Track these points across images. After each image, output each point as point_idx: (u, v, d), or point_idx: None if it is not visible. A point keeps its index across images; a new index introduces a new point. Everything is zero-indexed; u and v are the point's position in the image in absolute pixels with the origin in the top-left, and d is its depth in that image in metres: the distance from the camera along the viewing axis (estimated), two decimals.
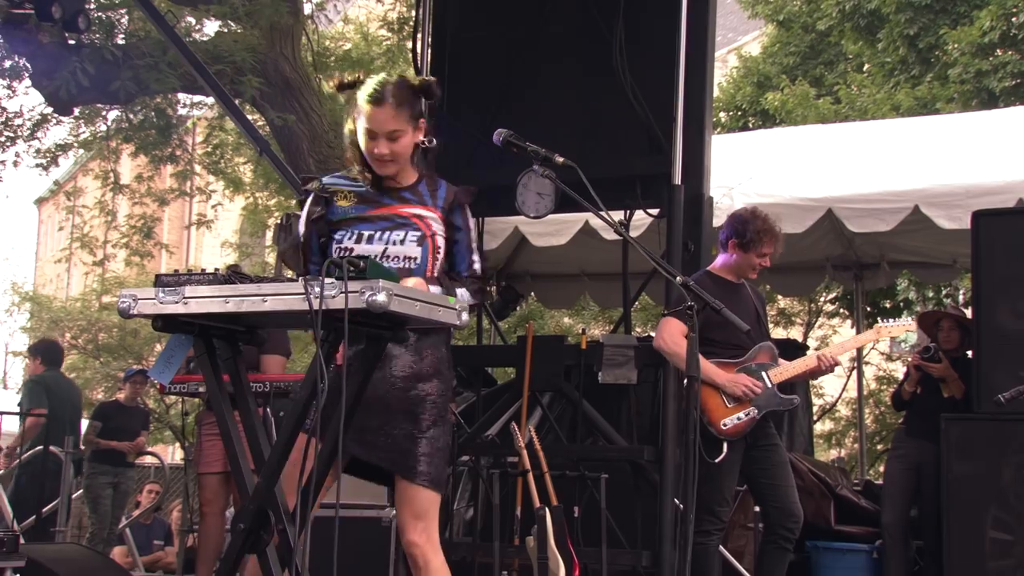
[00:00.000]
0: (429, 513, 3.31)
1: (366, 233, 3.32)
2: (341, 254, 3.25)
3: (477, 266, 3.46)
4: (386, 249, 3.30)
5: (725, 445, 4.88)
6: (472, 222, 3.46)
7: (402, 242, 3.31)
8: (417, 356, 3.35)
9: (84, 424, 9.46)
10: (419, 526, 3.29)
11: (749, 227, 5.05)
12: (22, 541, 4.64)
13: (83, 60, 8.17)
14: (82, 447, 8.93)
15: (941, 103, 12.29)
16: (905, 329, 5.55)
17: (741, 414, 4.92)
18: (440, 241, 3.38)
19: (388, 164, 3.34)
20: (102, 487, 9.17)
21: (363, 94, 3.30)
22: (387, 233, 3.32)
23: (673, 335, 4.84)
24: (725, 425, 4.89)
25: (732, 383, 4.90)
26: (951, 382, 6.22)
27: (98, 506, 9.18)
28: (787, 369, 5.08)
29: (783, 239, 5.15)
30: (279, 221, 3.49)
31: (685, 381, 3.79)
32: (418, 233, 3.33)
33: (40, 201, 33.43)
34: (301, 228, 3.41)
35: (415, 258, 3.32)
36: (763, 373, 5.00)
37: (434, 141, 3.41)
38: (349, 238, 3.33)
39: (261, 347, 5.49)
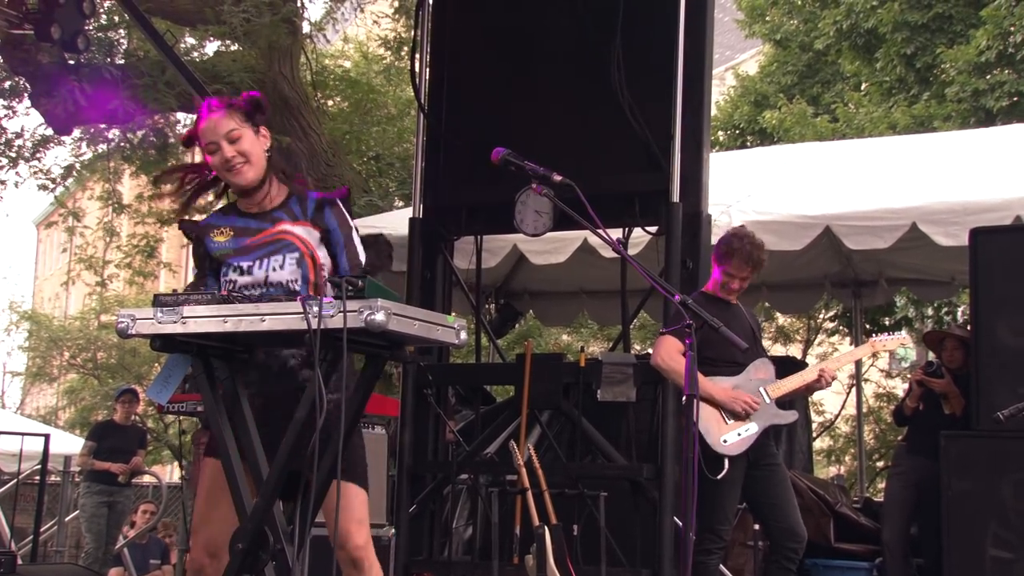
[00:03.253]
0: (366, 514, 3.32)
1: (244, 264, 3.30)
2: (229, 287, 3.26)
3: (361, 259, 3.34)
4: (267, 276, 3.28)
5: (727, 461, 4.87)
6: (348, 218, 3.37)
7: (281, 267, 3.28)
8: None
9: (80, 443, 9.46)
10: (363, 530, 3.29)
11: (722, 243, 5.08)
12: (20, 562, 4.63)
13: (82, 80, 8.19)
14: (76, 467, 8.92)
15: (938, 122, 12.32)
16: (899, 343, 5.56)
17: (740, 430, 4.92)
18: (321, 253, 3.32)
19: (243, 168, 3.32)
20: (97, 507, 9.14)
21: (195, 121, 3.38)
22: (265, 261, 3.30)
23: (670, 352, 4.84)
24: (725, 442, 4.88)
25: (731, 399, 4.90)
26: (952, 398, 6.23)
27: (93, 526, 9.16)
28: (785, 384, 5.08)
29: (762, 264, 5.11)
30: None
31: (684, 398, 3.78)
32: (295, 253, 3.29)
33: (48, 225, 33.44)
34: (194, 273, 3.43)
35: (297, 280, 3.28)
36: (761, 389, 5.00)
37: (271, 154, 3.37)
38: (233, 271, 3.31)
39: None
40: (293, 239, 3.31)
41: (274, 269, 3.28)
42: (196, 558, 3.31)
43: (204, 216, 3.53)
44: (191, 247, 3.43)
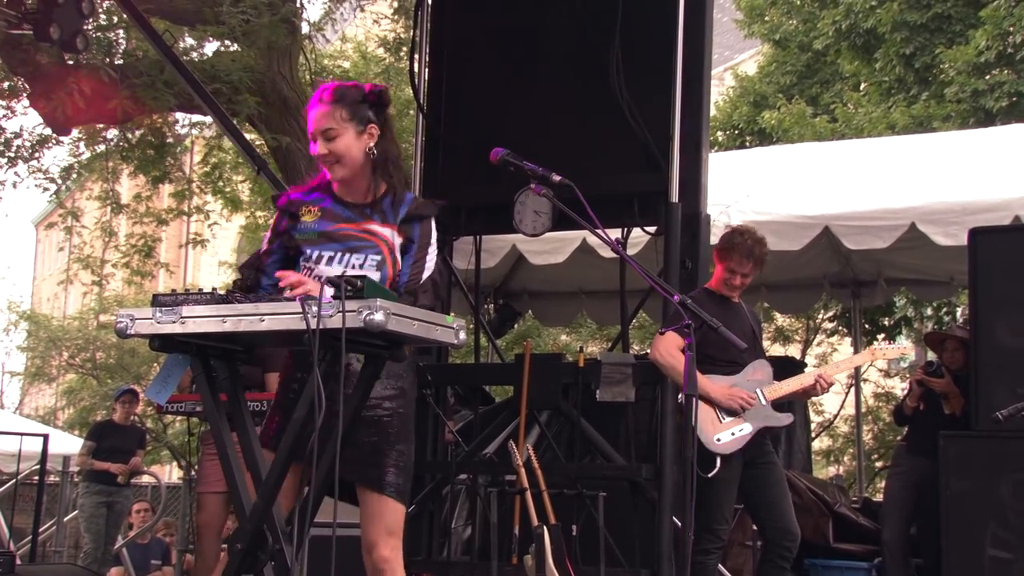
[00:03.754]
0: (399, 527, 3.30)
1: (327, 255, 3.28)
2: (304, 273, 3.24)
3: (424, 276, 3.29)
4: (344, 272, 3.22)
5: (718, 460, 4.88)
6: (431, 235, 3.35)
7: (361, 266, 3.26)
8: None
9: (79, 443, 9.45)
10: (391, 542, 3.26)
11: (723, 240, 5.08)
12: (18, 562, 4.63)
13: (81, 80, 8.18)
14: (75, 467, 8.92)
15: (937, 122, 12.33)
16: (900, 352, 5.57)
17: (734, 429, 4.93)
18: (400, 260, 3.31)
19: (333, 167, 3.30)
20: (96, 507, 9.14)
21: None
22: (347, 256, 3.28)
23: (669, 348, 4.85)
24: (719, 440, 4.89)
25: (728, 397, 4.91)
26: (953, 398, 6.23)
27: (92, 526, 9.15)
28: (781, 387, 5.08)
29: (763, 261, 5.12)
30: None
31: (680, 397, 3.79)
32: (378, 257, 3.28)
33: (48, 226, 33.44)
34: (264, 243, 3.39)
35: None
36: (758, 390, 5.01)
37: (375, 152, 3.32)
38: (312, 258, 3.29)
39: (265, 366, 5.49)
40: (379, 242, 3.29)
41: (353, 267, 3.25)
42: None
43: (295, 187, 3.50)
44: (275, 217, 3.40)
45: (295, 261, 3.33)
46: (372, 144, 3.32)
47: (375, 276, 3.21)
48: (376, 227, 3.31)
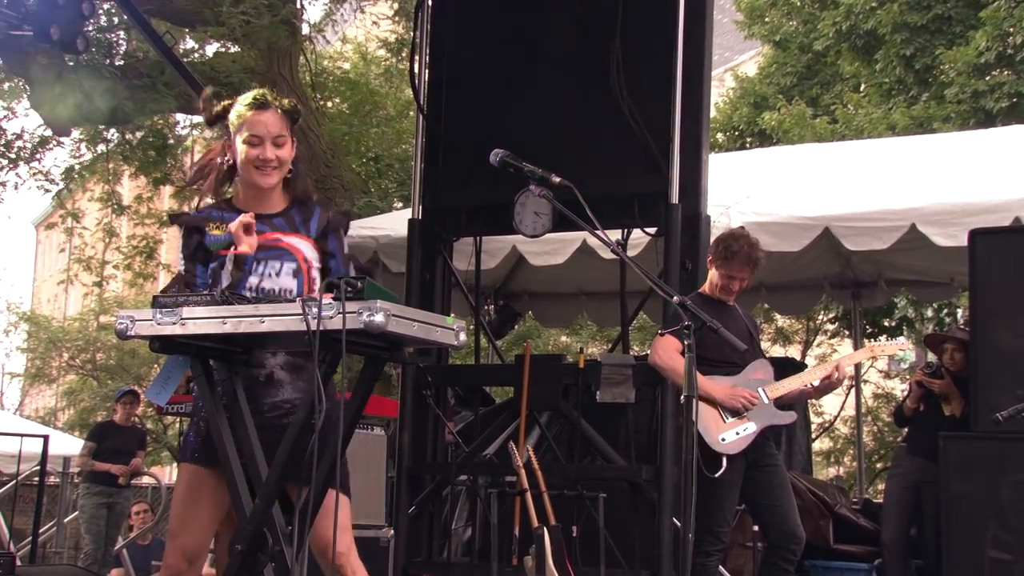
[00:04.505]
0: (349, 521, 3.31)
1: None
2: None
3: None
4: (261, 281, 3.25)
5: (724, 460, 4.87)
6: (346, 247, 3.40)
7: (278, 274, 3.27)
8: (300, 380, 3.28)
9: (79, 444, 9.45)
10: (345, 538, 3.26)
11: (720, 245, 5.08)
12: (19, 563, 4.63)
13: (81, 81, 8.18)
14: (75, 468, 8.92)
15: (937, 123, 12.32)
16: (898, 348, 5.56)
17: (739, 429, 4.91)
18: (316, 272, 3.32)
19: (272, 172, 3.30)
20: (96, 508, 9.14)
21: (242, 104, 3.30)
22: (262, 265, 3.27)
23: (668, 351, 4.84)
24: (723, 440, 4.88)
25: (730, 397, 4.90)
26: (953, 399, 6.23)
27: (92, 527, 9.15)
28: (783, 385, 5.07)
29: (760, 264, 5.12)
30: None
31: (682, 398, 3.78)
32: (293, 264, 3.29)
33: (48, 226, 33.44)
34: (181, 266, 3.35)
35: (291, 290, 3.27)
36: (760, 389, 5.00)
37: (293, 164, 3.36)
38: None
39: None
40: (293, 251, 3.30)
41: (269, 276, 3.26)
42: (173, 563, 3.27)
43: (195, 210, 3.50)
44: (182, 239, 3.36)
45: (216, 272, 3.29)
46: (294, 155, 3.36)
47: (292, 284, 3.26)
48: (286, 237, 3.32)
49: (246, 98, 3.31)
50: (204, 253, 3.30)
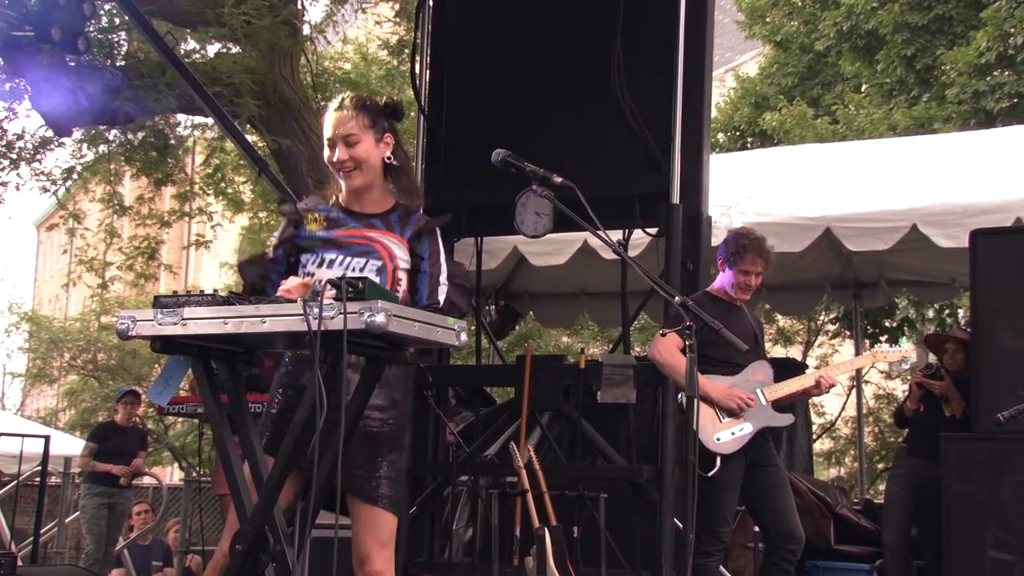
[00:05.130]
0: (392, 538, 3.29)
1: (328, 257, 3.30)
2: (305, 275, 3.25)
3: (440, 297, 3.32)
4: (344, 275, 3.22)
5: (719, 459, 4.88)
6: (442, 253, 3.38)
7: (361, 269, 3.27)
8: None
9: (80, 445, 9.45)
10: (384, 554, 3.26)
11: (731, 244, 5.09)
12: (20, 563, 4.63)
13: (83, 81, 8.18)
14: (76, 469, 8.91)
15: (938, 123, 12.33)
16: (901, 355, 5.58)
17: (735, 429, 4.92)
18: (402, 273, 3.32)
19: (352, 174, 3.31)
20: (97, 508, 9.14)
21: (330, 106, 3.35)
22: (348, 259, 3.29)
23: (669, 348, 4.85)
24: (718, 440, 4.89)
25: (727, 396, 4.91)
26: (953, 400, 6.23)
27: (94, 528, 9.16)
28: (782, 388, 5.08)
29: (771, 259, 5.15)
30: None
31: (680, 398, 3.79)
32: (379, 262, 3.29)
33: (49, 227, 33.49)
34: (270, 250, 3.41)
35: None
36: (758, 390, 5.01)
37: (394, 161, 3.36)
38: (313, 262, 3.31)
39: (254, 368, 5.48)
40: (381, 249, 3.30)
41: (353, 270, 3.27)
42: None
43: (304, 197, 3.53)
44: (282, 225, 3.42)
45: (296, 268, 3.35)
46: (389, 152, 3.35)
47: (375, 280, 3.21)
48: (378, 234, 3.33)
49: (331, 103, 3.37)
50: (291, 247, 3.35)
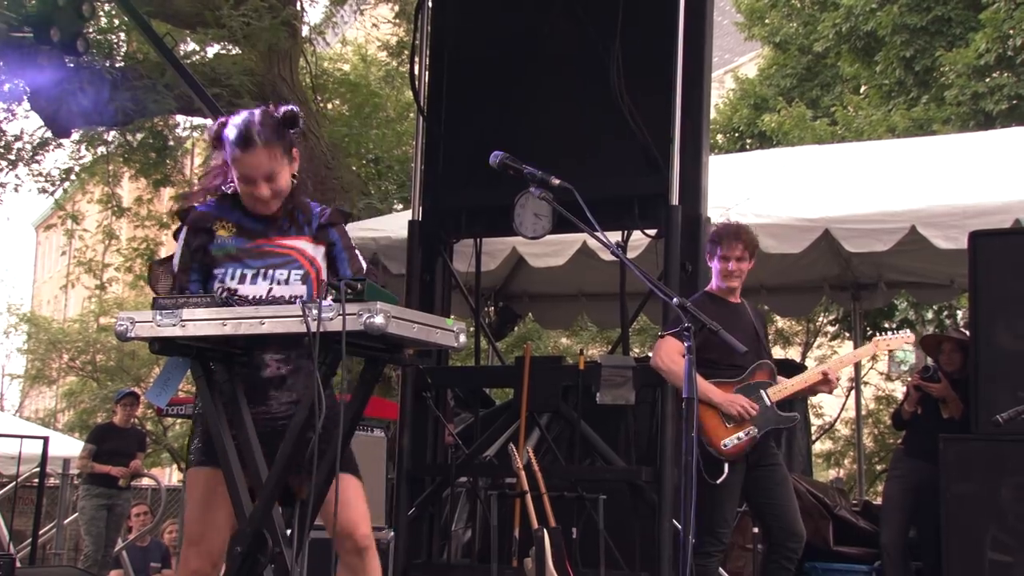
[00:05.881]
0: (362, 497, 3.31)
1: (249, 273, 3.24)
2: (223, 294, 3.16)
3: (362, 263, 3.38)
4: (271, 288, 3.23)
5: (726, 466, 4.86)
6: (347, 233, 3.39)
7: (287, 281, 3.25)
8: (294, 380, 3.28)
9: (79, 446, 9.44)
10: (366, 520, 3.29)
11: (710, 237, 5.06)
12: (18, 565, 4.63)
13: (82, 82, 8.19)
14: (75, 470, 8.90)
15: (937, 125, 12.33)
16: (904, 341, 5.53)
17: (741, 434, 4.90)
18: (324, 272, 3.30)
19: (270, 203, 3.26)
20: (96, 509, 9.13)
21: (230, 137, 3.20)
22: (271, 271, 3.25)
23: (670, 353, 4.83)
24: (726, 445, 4.87)
25: (729, 403, 4.89)
26: (950, 402, 6.22)
27: (92, 529, 9.15)
28: (786, 387, 5.06)
29: (752, 242, 5.04)
30: (153, 263, 3.43)
31: (683, 401, 3.78)
32: (301, 271, 3.27)
33: (47, 228, 33.48)
34: (177, 258, 3.29)
35: (301, 296, 3.23)
36: (761, 392, 4.99)
37: (296, 176, 3.30)
38: (231, 277, 3.24)
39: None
40: (299, 256, 3.28)
41: (279, 282, 3.25)
42: (199, 568, 3.25)
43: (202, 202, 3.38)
44: (185, 236, 3.29)
45: (210, 275, 3.27)
46: (297, 168, 3.31)
47: (302, 289, 3.23)
48: (291, 241, 3.29)
49: (231, 130, 3.20)
50: (206, 256, 3.26)
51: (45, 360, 22.38)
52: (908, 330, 6.60)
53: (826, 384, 5.12)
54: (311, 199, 3.42)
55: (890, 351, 6.43)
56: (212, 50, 9.91)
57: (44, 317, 25.78)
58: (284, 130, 3.25)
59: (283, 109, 3.29)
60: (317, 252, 3.32)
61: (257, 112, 3.25)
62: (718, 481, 4.77)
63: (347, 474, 3.22)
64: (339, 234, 3.37)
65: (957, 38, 13.17)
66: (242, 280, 3.24)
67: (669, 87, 5.28)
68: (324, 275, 3.31)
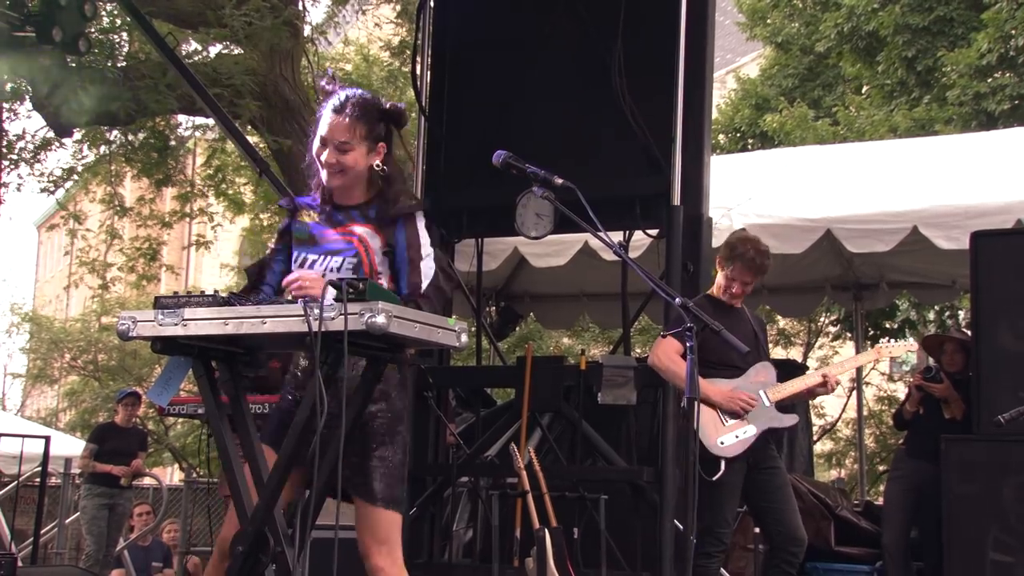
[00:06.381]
0: (391, 536, 3.27)
1: (309, 258, 3.29)
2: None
3: (424, 284, 3.22)
4: (324, 275, 3.21)
5: (723, 463, 4.86)
6: (420, 238, 3.28)
7: (338, 269, 3.25)
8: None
9: (80, 445, 9.44)
10: (383, 550, 3.25)
11: (727, 246, 5.07)
12: (20, 564, 4.63)
13: (83, 82, 8.19)
14: (76, 470, 8.90)
15: (939, 125, 12.32)
16: (906, 349, 5.55)
17: (738, 432, 4.91)
18: (381, 265, 3.27)
19: (336, 175, 3.29)
20: (98, 509, 9.14)
21: (327, 103, 3.32)
22: (326, 259, 3.28)
23: (668, 352, 4.84)
24: (722, 443, 4.87)
25: (728, 400, 4.89)
26: (952, 403, 6.22)
27: (94, 528, 9.15)
28: (785, 388, 5.07)
29: (763, 271, 5.09)
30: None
31: (683, 401, 3.78)
32: (354, 260, 3.26)
33: (50, 227, 33.52)
34: (272, 242, 3.42)
35: None
36: (761, 392, 4.99)
37: (386, 169, 3.33)
38: (296, 261, 3.31)
39: (285, 367, 5.49)
40: (357, 243, 3.28)
41: (331, 271, 3.25)
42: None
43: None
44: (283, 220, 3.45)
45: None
46: (379, 161, 3.32)
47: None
48: (356, 227, 3.31)
49: (334, 97, 3.31)
50: (289, 236, 3.38)
51: (47, 360, 22.39)
52: (911, 338, 6.60)
53: (824, 387, 5.13)
54: (392, 197, 3.37)
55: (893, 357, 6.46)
56: (214, 50, 9.91)
57: (46, 317, 25.77)
58: (377, 120, 3.31)
59: (393, 103, 3.39)
60: (374, 240, 3.29)
61: (366, 92, 3.36)
62: (715, 478, 4.77)
63: (371, 505, 3.22)
64: (406, 238, 3.28)
65: (959, 38, 13.16)
66: (302, 264, 3.29)
67: (671, 87, 5.28)
68: (378, 265, 3.27)
